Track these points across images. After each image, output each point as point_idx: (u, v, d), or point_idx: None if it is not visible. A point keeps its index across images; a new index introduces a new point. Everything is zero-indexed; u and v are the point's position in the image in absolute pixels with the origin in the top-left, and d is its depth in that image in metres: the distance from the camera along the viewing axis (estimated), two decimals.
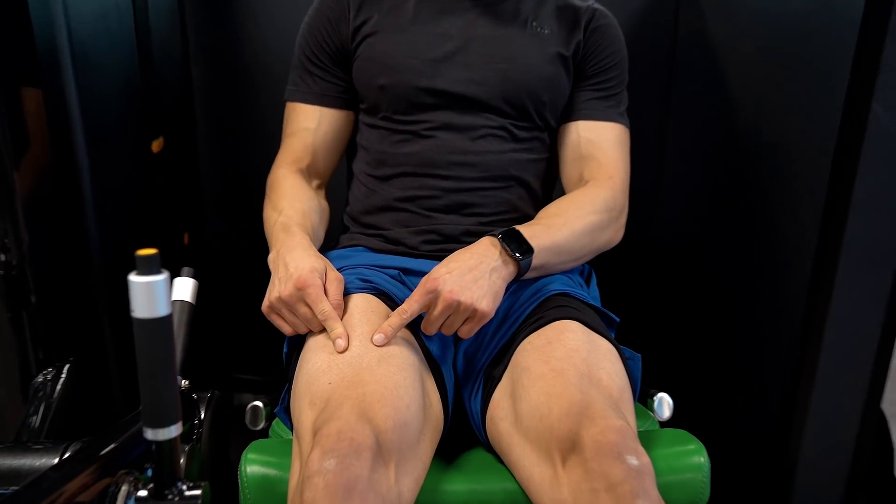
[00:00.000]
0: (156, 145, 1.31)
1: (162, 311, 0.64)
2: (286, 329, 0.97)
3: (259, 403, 1.07)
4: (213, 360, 1.62)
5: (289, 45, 1.24)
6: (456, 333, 0.99)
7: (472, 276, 0.93)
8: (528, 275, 1.01)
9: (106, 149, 1.13)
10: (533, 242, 0.99)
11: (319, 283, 0.94)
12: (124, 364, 1.15)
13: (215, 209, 1.63)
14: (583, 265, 1.14)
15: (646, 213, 1.39)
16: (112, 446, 0.73)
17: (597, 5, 1.18)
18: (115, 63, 1.18)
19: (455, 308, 0.92)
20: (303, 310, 0.94)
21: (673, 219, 1.61)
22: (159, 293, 0.64)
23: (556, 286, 1.04)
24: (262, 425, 1.07)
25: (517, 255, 0.96)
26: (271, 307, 0.96)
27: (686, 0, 1.49)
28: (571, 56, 1.14)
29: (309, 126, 1.17)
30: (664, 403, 1.09)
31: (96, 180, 1.10)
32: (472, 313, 0.92)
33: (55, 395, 0.99)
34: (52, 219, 1.06)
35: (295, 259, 0.95)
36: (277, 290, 0.95)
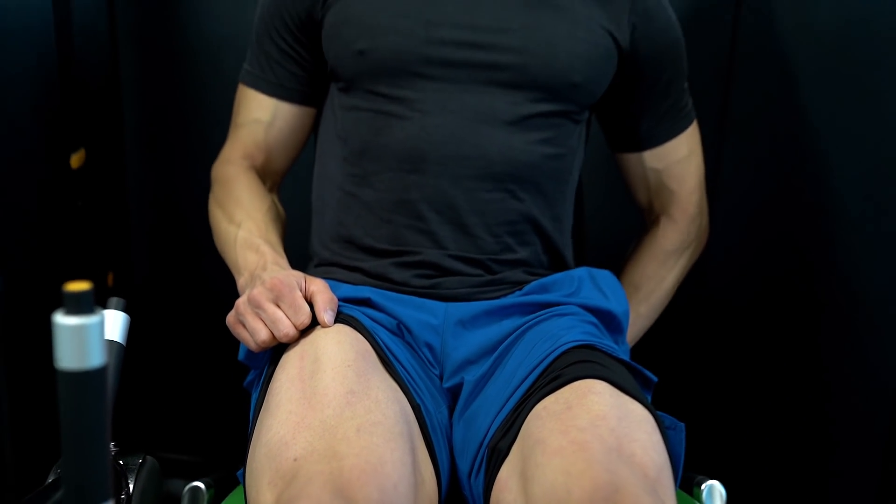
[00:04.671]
0: (75, 159, 1.36)
1: (95, 360, 0.65)
2: (249, 342, 1.05)
3: (200, 484, 1.09)
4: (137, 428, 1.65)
5: (244, 28, 1.33)
6: (449, 393, 1.06)
7: None
8: None
9: (13, 160, 1.18)
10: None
11: (294, 285, 1.04)
12: (22, 430, 1.17)
13: (146, 244, 1.69)
14: (617, 310, 1.21)
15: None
16: None
17: None
18: (26, 51, 1.24)
19: None
20: (271, 309, 1.02)
21: (725, 257, 1.66)
22: (92, 339, 0.65)
23: (577, 335, 1.07)
24: None
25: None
26: (236, 312, 1.06)
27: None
28: (617, 39, 1.23)
29: (262, 118, 1.29)
30: (715, 493, 1.12)
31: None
32: None
33: None
34: None
35: (271, 273, 1.08)
36: (248, 295, 1.05)
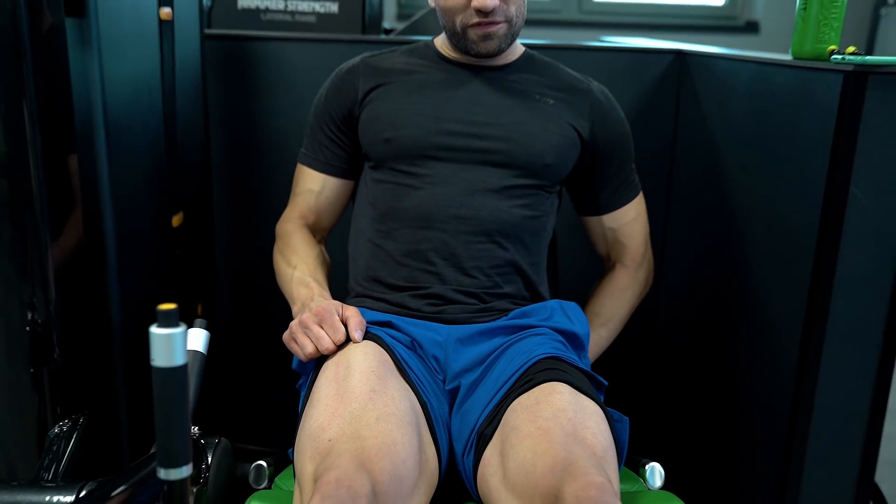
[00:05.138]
0: (175, 220, 1.39)
1: (178, 360, 0.70)
2: (299, 353, 1.07)
3: (263, 463, 1.11)
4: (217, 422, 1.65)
5: (301, 122, 1.35)
6: (450, 394, 1.08)
7: None
8: None
9: (131, 220, 1.21)
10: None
11: (334, 311, 1.06)
12: (134, 418, 1.20)
13: (227, 283, 1.70)
14: (580, 332, 1.21)
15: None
16: (124, 487, 0.78)
17: (592, 82, 1.30)
18: (143, 140, 1.26)
19: None
20: (316, 330, 1.05)
21: (671, 292, 1.66)
22: (177, 344, 0.70)
23: (546, 349, 1.09)
24: (265, 484, 1.11)
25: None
26: (290, 332, 1.08)
27: (686, 89, 1.60)
28: (581, 132, 1.25)
29: (314, 189, 1.32)
30: (656, 473, 1.13)
31: (120, 249, 1.17)
32: None
33: (70, 446, 1.03)
34: (78, 282, 1.12)
35: (317, 302, 1.09)
36: (299, 318, 1.07)
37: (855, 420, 1.15)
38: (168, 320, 0.70)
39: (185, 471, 0.72)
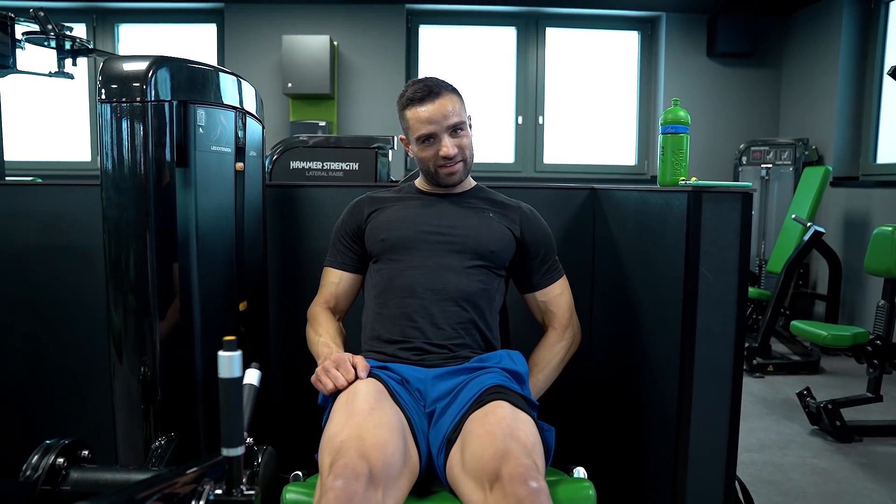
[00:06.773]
0: (242, 306, 1.39)
1: (237, 373, 0.79)
2: (323, 389, 1.11)
3: (299, 472, 1.16)
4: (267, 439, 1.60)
5: (327, 241, 1.42)
6: (429, 415, 1.12)
7: None
8: None
9: (211, 306, 1.24)
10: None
11: (346, 359, 1.11)
12: (208, 437, 1.21)
13: (277, 350, 1.71)
14: (521, 370, 1.25)
15: (581, 351, 1.48)
16: (201, 466, 0.85)
17: (521, 203, 1.39)
18: (222, 251, 1.30)
19: None
20: (334, 372, 1.09)
21: (599, 347, 1.69)
22: (235, 363, 0.80)
23: (496, 380, 1.15)
24: None
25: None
26: (316, 375, 1.12)
27: (599, 212, 1.70)
28: (514, 233, 1.32)
29: (334, 282, 1.37)
30: (581, 473, 1.16)
31: (204, 325, 1.21)
32: None
33: (166, 454, 1.08)
34: (175, 348, 1.17)
35: (335, 355, 1.13)
36: (322, 365, 1.11)
37: (719, 429, 1.18)
38: (230, 347, 0.80)
39: (240, 450, 0.80)
